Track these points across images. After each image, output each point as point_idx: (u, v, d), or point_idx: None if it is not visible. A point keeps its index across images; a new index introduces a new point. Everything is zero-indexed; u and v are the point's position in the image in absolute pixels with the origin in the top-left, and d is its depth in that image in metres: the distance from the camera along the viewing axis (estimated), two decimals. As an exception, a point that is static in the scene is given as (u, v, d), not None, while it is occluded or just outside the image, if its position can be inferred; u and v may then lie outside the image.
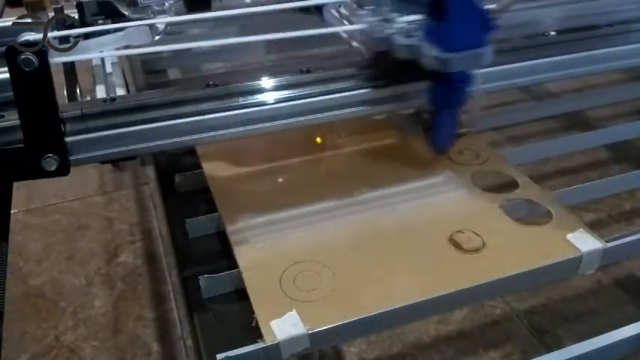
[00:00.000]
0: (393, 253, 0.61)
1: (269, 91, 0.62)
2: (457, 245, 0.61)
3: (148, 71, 0.92)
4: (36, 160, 0.52)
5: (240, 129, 0.60)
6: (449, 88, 0.60)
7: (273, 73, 0.64)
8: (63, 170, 0.53)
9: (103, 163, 0.59)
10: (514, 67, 0.70)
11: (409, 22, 0.59)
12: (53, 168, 0.53)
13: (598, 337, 0.65)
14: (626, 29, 0.76)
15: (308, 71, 0.64)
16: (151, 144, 0.57)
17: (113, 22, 0.68)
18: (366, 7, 0.61)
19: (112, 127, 0.56)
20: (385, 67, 0.62)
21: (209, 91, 0.61)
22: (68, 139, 0.54)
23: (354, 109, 0.63)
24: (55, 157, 0.52)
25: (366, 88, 0.63)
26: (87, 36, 0.56)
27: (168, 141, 0.58)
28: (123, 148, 0.57)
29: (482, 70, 0.67)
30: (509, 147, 1.01)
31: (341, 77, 0.63)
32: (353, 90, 0.63)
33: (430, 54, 0.57)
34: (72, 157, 0.54)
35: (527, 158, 0.86)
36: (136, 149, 0.57)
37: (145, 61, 0.92)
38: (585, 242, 0.61)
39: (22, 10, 0.66)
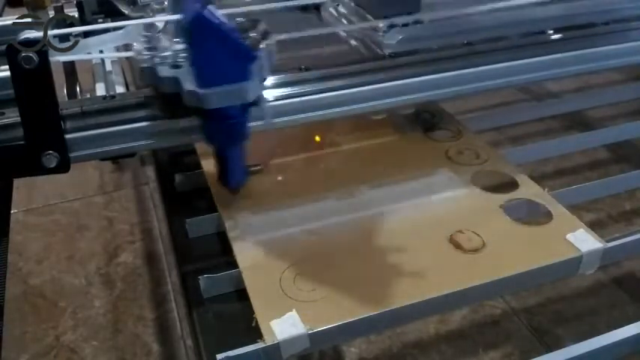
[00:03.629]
0: (393, 253, 0.61)
1: (268, 89, 0.61)
2: (457, 245, 0.61)
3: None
4: (36, 157, 0.52)
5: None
6: (221, 124, 0.55)
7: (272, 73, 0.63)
8: (63, 167, 0.53)
9: (102, 160, 0.59)
10: (510, 65, 0.70)
11: (181, 51, 0.53)
12: (53, 164, 0.53)
13: (598, 337, 0.65)
14: (623, 27, 0.76)
15: (307, 69, 0.64)
16: (150, 141, 0.57)
17: (113, 21, 0.68)
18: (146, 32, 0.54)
19: (112, 124, 0.56)
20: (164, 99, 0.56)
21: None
22: (68, 136, 0.54)
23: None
24: (55, 154, 0.53)
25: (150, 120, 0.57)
26: (87, 34, 0.56)
27: (168, 138, 0.58)
28: (122, 145, 0.57)
29: (480, 68, 0.67)
30: (509, 147, 1.01)
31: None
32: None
33: (186, 89, 0.51)
34: (72, 154, 0.54)
35: (527, 158, 0.86)
36: (135, 146, 0.57)
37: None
38: (585, 242, 0.61)
39: (22, 10, 0.66)
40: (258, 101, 0.56)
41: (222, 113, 0.53)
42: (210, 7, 0.49)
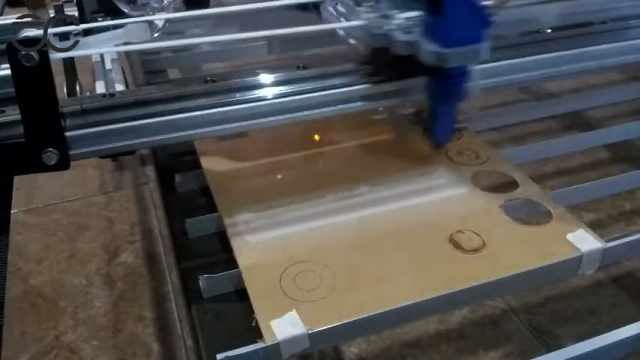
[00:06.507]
0: (393, 253, 0.61)
1: (267, 87, 0.62)
2: (457, 245, 0.61)
3: (147, 71, 0.92)
4: (36, 155, 0.52)
5: (239, 124, 0.60)
6: (447, 83, 0.61)
7: (271, 71, 0.64)
8: (63, 164, 0.54)
9: (102, 157, 0.59)
10: (508, 63, 0.69)
11: (408, 19, 0.60)
12: (53, 162, 0.53)
13: (598, 337, 0.65)
14: (621, 26, 0.76)
15: (304, 67, 0.64)
16: (150, 139, 0.57)
17: (112, 20, 0.68)
18: (364, 4, 0.62)
19: (111, 122, 0.56)
20: (384, 62, 0.63)
21: (207, 87, 0.61)
22: (68, 133, 0.54)
23: (353, 105, 0.63)
24: (56, 152, 0.53)
25: (366, 83, 0.63)
26: (86, 33, 0.56)
27: (167, 136, 0.58)
28: (122, 143, 0.57)
29: (478, 67, 0.68)
30: (509, 147, 1.01)
31: (339, 73, 0.64)
32: (351, 85, 0.63)
33: (428, 49, 0.57)
34: (72, 152, 0.54)
35: (527, 158, 0.86)
36: (134, 144, 0.57)
37: (144, 61, 0.92)
38: (585, 242, 0.61)
39: (23, 9, 0.66)
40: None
41: (452, 72, 0.59)
42: None
